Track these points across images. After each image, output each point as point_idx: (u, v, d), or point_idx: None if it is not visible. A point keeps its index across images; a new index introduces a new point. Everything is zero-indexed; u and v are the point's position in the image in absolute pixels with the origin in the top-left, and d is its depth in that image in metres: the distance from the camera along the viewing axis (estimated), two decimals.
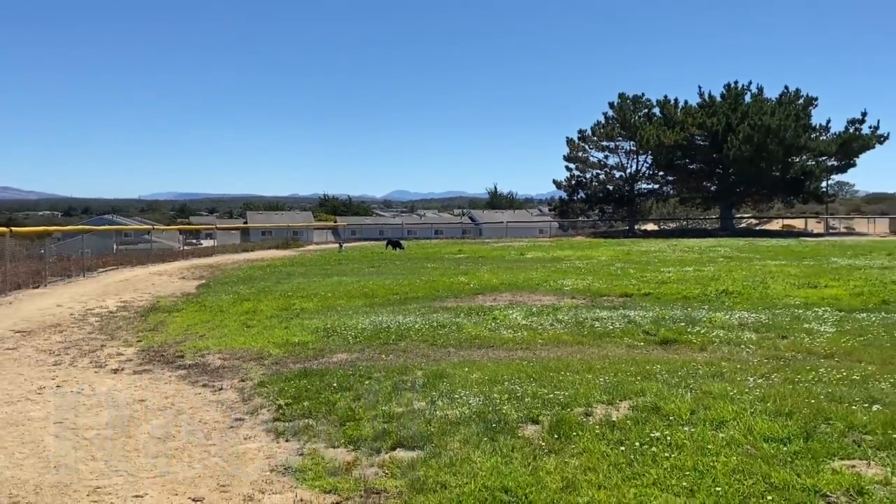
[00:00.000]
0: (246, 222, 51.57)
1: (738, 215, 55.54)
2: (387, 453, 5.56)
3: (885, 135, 50.40)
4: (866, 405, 6.39)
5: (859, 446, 5.43)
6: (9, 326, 12.57)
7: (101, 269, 24.93)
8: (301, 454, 5.61)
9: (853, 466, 5.01)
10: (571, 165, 58.13)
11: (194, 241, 41.44)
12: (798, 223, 54.35)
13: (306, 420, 6.45)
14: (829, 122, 51.46)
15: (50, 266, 21.07)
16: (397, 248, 17.71)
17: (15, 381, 8.40)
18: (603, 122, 56.55)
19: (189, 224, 50.68)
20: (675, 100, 54.07)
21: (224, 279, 21.00)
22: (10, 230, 19.00)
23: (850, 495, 4.53)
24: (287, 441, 5.97)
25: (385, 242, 18.30)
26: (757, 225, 55.57)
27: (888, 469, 4.95)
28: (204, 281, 20.70)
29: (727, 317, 11.48)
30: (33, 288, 18.68)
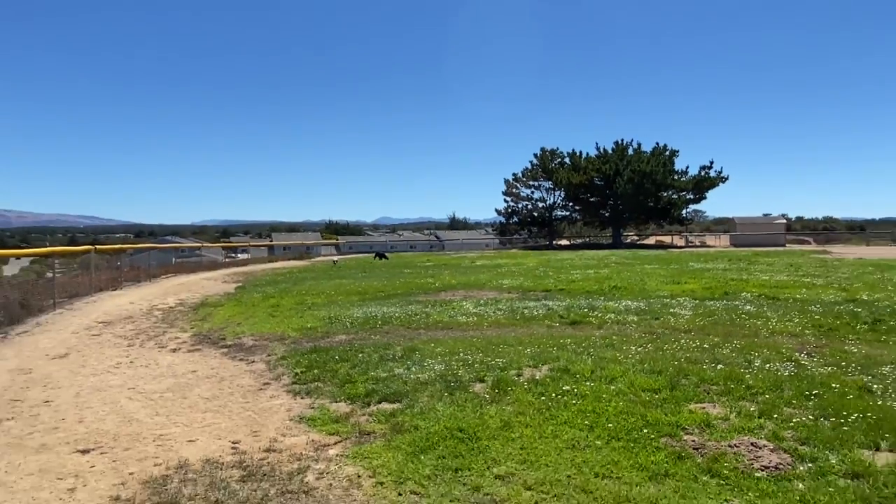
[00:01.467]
0: (271, 240, 50.81)
1: (625, 234, 56.36)
2: (375, 405, 5.61)
3: (726, 176, 51.87)
4: (713, 365, 6.58)
5: (708, 394, 5.63)
6: (94, 319, 12.33)
7: (163, 276, 24.49)
8: (312, 408, 5.64)
9: (703, 408, 5.19)
10: (508, 198, 58.63)
11: (233, 255, 40.71)
12: (666, 239, 55.39)
13: (316, 383, 6.48)
14: (687, 167, 52.73)
15: (124, 274, 20.69)
16: (383, 259, 17.67)
17: (99, 359, 8.29)
18: (529, 167, 57.26)
19: (229, 242, 49.85)
20: (580, 152, 54.92)
21: (255, 282, 20.75)
22: (95, 248, 18.58)
23: (701, 427, 4.71)
24: (302, 398, 6.00)
25: (374, 255, 18.23)
26: (638, 240, 56.40)
27: (727, 409, 5.14)
28: (240, 284, 20.43)
29: (617, 304, 11.68)
30: (111, 290, 18.30)
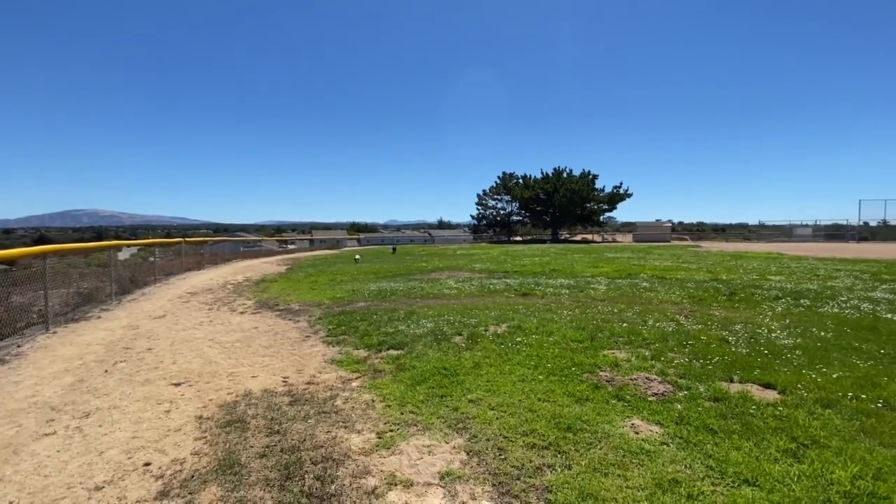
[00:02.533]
0: (312, 236, 50.14)
1: (561, 233, 56.51)
2: (384, 352, 5.57)
3: (631, 193, 52.08)
4: (620, 323, 6.63)
5: (616, 343, 5.65)
6: (183, 290, 12.11)
7: (233, 261, 24.08)
8: (340, 353, 5.59)
9: (613, 353, 5.22)
10: (479, 207, 58.50)
11: (284, 246, 40.12)
12: (589, 236, 55.64)
13: (343, 336, 6.42)
14: (604, 186, 52.77)
15: (206, 259, 20.31)
16: (394, 251, 17.53)
17: (187, 318, 8.15)
18: (494, 185, 57.20)
19: (281, 237, 49.12)
20: (530, 175, 54.72)
21: (300, 265, 20.50)
22: (185, 240, 18.24)
23: (611, 366, 4.74)
24: (333, 347, 5.94)
25: (391, 248, 18.17)
26: (569, 238, 56.49)
27: (629, 354, 5.17)
28: (289, 266, 20.18)
29: (554, 282, 11.71)
30: (196, 270, 17.97)
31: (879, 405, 3.64)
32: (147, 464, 3.06)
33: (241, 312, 8.71)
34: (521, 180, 55.22)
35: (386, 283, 12.38)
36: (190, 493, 2.69)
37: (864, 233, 39.86)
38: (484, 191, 58.20)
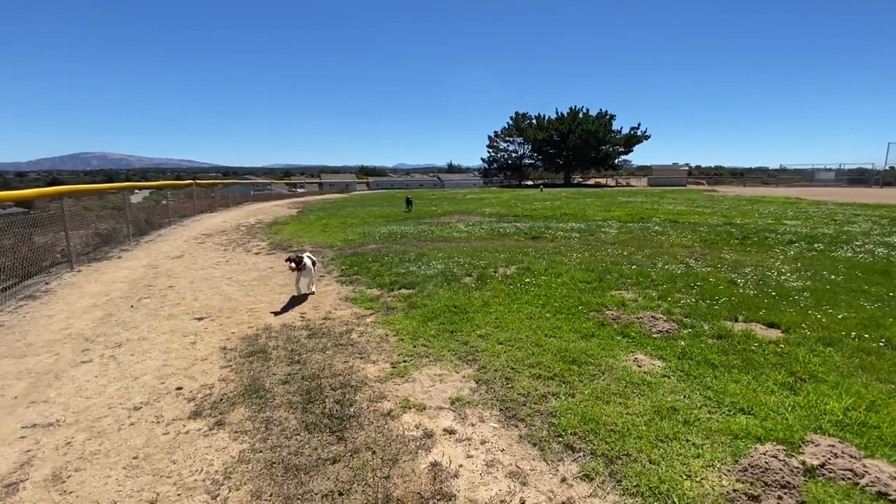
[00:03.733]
0: (321, 179, 49.82)
1: (573, 176, 55.33)
2: (396, 291, 5.71)
3: (649, 135, 50.30)
4: (629, 266, 6.68)
5: (624, 284, 5.73)
6: (198, 232, 12.33)
7: (244, 204, 24.23)
8: (354, 292, 5.75)
9: (621, 293, 5.31)
10: (490, 150, 57.05)
11: (294, 189, 40.04)
12: (603, 180, 54.47)
13: (356, 276, 6.56)
14: (621, 128, 50.90)
15: (217, 202, 20.46)
16: (410, 205, 16.46)
17: (204, 258, 8.37)
18: (506, 126, 55.31)
19: (290, 180, 48.94)
20: (544, 115, 52.70)
21: (310, 208, 20.58)
22: (196, 182, 18.28)
23: (618, 306, 4.84)
24: (347, 286, 6.09)
25: (406, 202, 17.16)
26: (582, 181, 55.44)
27: (637, 294, 5.26)
28: (300, 210, 20.27)
29: (565, 226, 11.69)
30: (209, 213, 18.17)
31: (881, 344, 3.72)
32: (179, 388, 3.30)
33: (256, 253, 8.90)
34: (534, 121, 53.31)
35: (396, 226, 12.45)
36: (220, 413, 2.92)
37: (889, 178, 38.39)
38: (495, 132, 56.51)
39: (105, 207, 13.33)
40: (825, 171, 43.28)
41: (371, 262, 7.41)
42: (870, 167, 40.32)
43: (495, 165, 57.70)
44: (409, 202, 18.33)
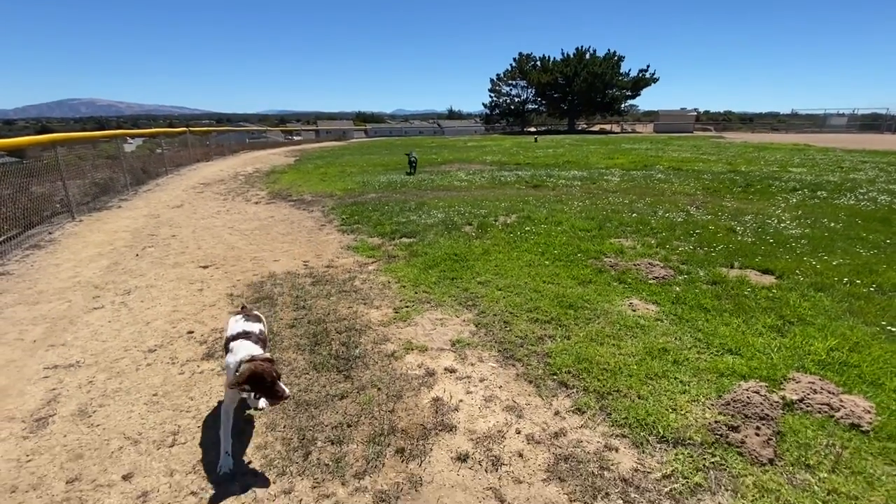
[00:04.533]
0: (317, 126, 48.45)
1: (577, 123, 53.75)
2: (398, 239, 5.78)
3: (658, 77, 48.29)
4: (630, 214, 6.70)
5: (624, 232, 5.78)
6: (196, 181, 12.23)
7: (240, 152, 23.77)
8: (355, 241, 5.81)
9: (620, 241, 5.37)
10: (492, 94, 54.97)
11: (290, 137, 39.01)
12: (607, 127, 52.91)
13: (357, 225, 6.60)
14: (629, 70, 48.81)
15: (213, 150, 20.05)
16: (413, 165, 12.41)
17: (204, 208, 8.37)
18: (509, 68, 52.94)
19: (286, 127, 47.58)
20: (549, 56, 50.37)
21: (308, 157, 20.22)
22: (190, 130, 17.84)
23: (616, 253, 4.91)
24: (348, 235, 6.14)
25: (408, 159, 13.15)
26: (586, 128, 53.95)
27: (635, 242, 5.32)
28: (298, 158, 19.92)
29: (567, 174, 11.56)
30: (205, 162, 17.88)
31: (872, 289, 3.81)
32: (190, 332, 3.44)
33: (256, 202, 8.88)
34: (538, 63, 51.02)
35: (396, 175, 12.31)
36: None
37: None
38: (498, 75, 54.17)
39: (100, 156, 13.11)
40: (837, 116, 41.99)
41: (371, 211, 7.41)
42: (884, 112, 39.11)
43: (497, 111, 55.87)
44: (412, 162, 12.72)
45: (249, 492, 1.95)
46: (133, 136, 16.53)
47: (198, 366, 2.96)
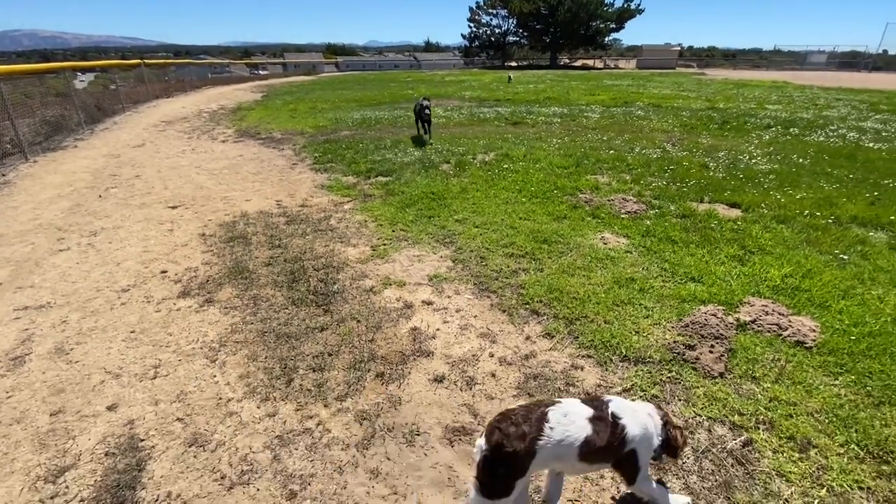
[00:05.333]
0: (284, 59, 45.25)
1: (560, 57, 51.75)
2: (373, 178, 5.66)
3: (643, 8, 46.43)
4: (607, 151, 6.68)
5: (600, 169, 5.79)
6: (157, 119, 11.50)
7: (203, 88, 22.23)
8: (329, 180, 5.67)
9: (596, 178, 5.39)
10: (471, 24, 52.02)
11: (256, 71, 36.49)
12: (590, 62, 51.21)
13: (330, 164, 6.41)
14: (613, 1, 46.64)
15: (173, 85, 18.66)
16: (425, 113, 9.34)
17: (168, 147, 7.95)
18: None
19: (251, 60, 44.34)
20: None
21: (276, 93, 19.07)
22: (143, 62, 16.42)
23: (592, 189, 4.95)
24: (321, 174, 5.98)
25: (416, 112, 9.72)
26: (569, 63, 52.09)
27: (611, 178, 5.36)
28: (265, 94, 18.78)
29: (547, 110, 11.30)
30: (166, 98, 16.70)
31: (830, 221, 3.99)
32: (164, 271, 3.39)
33: (223, 141, 8.46)
34: None
35: (370, 111, 11.81)
36: (208, 293, 3.06)
37: (881, 62, 37.27)
38: (478, 3, 50.96)
39: (48, 93, 12.07)
40: (818, 53, 41.64)
41: (345, 149, 7.17)
42: (863, 49, 38.92)
43: (477, 43, 53.19)
44: (425, 119, 7.76)
45: (234, 416, 2.03)
46: (83, 70, 15.17)
47: (174, 304, 2.95)
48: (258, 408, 2.07)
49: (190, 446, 1.88)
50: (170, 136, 9.01)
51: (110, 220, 4.45)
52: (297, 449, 1.86)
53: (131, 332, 2.66)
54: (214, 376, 2.28)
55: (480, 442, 1.31)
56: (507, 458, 1.27)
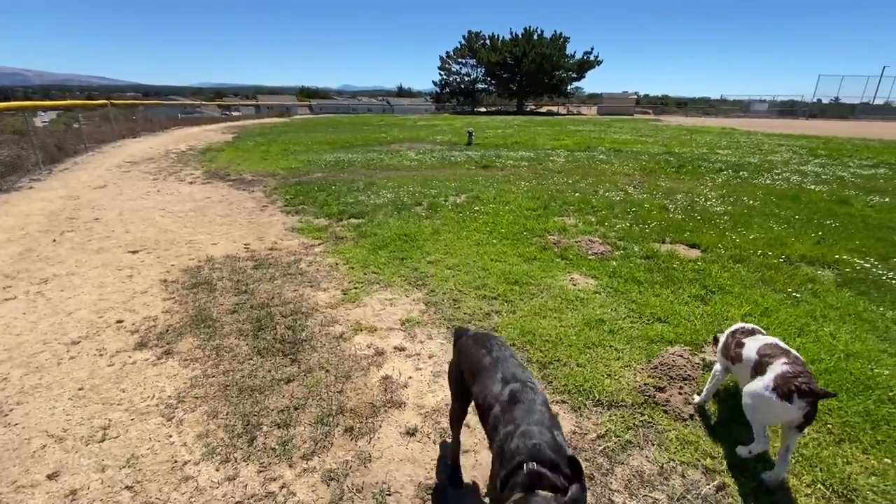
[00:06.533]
0: (258, 101, 45.64)
1: (526, 104, 54.34)
2: (345, 220, 5.66)
3: (601, 60, 49.64)
4: (573, 193, 6.94)
5: (567, 211, 5.98)
6: (122, 160, 11.22)
7: (172, 128, 21.99)
8: (300, 222, 5.63)
9: (563, 219, 5.56)
10: (442, 72, 54.29)
11: (227, 112, 36.49)
12: (554, 108, 53.99)
13: (302, 206, 6.39)
14: (574, 52, 49.81)
15: (140, 125, 18.36)
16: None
17: (132, 188, 7.74)
18: (458, 47, 52.47)
19: (223, 101, 44.44)
20: (498, 35, 50.29)
21: (247, 134, 19.09)
22: (110, 102, 16.21)
23: (559, 231, 5.08)
24: (292, 216, 5.94)
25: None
26: (535, 109, 54.73)
27: (577, 220, 5.53)
28: (236, 135, 18.75)
29: (516, 154, 11.72)
30: (132, 138, 16.39)
31: (781, 260, 4.23)
32: (119, 321, 3.21)
33: (191, 182, 8.32)
34: (488, 41, 50.84)
35: (343, 153, 11.95)
36: (168, 344, 2.91)
37: (815, 110, 40.99)
38: (448, 52, 53.63)
39: (4, 131, 11.67)
40: (759, 102, 45.43)
41: (317, 191, 7.18)
42: (799, 99, 42.77)
43: (447, 90, 55.39)
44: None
45: (191, 481, 1.89)
46: (45, 109, 14.83)
47: (129, 356, 2.78)
48: (217, 470, 1.94)
49: None
50: (134, 177, 8.80)
51: (64, 265, 4.23)
52: None
53: (79, 389, 2.48)
54: (170, 436, 2.13)
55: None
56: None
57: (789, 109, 42.21)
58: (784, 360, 1.84)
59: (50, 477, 1.91)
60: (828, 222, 5.46)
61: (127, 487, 1.86)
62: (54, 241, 4.95)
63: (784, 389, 1.75)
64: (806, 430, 1.98)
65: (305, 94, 63.88)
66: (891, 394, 2.35)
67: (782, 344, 1.97)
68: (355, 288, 3.69)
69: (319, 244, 4.77)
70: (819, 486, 1.85)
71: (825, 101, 43.38)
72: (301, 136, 17.25)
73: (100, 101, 16.30)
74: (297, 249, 4.60)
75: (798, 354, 1.90)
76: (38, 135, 10.47)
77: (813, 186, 7.67)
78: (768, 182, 8.06)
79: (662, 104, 59.39)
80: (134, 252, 4.60)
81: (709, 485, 1.87)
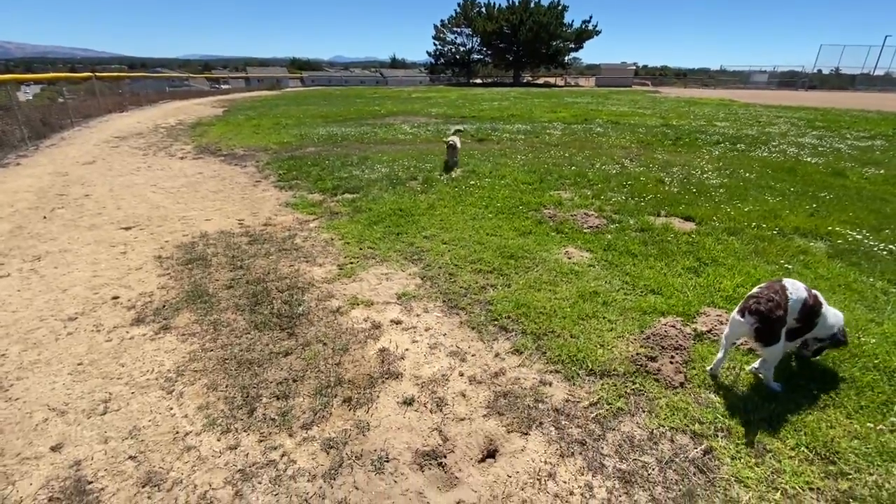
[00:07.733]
0: (247, 74, 44.38)
1: (523, 75, 53.25)
2: (340, 195, 5.62)
3: (600, 30, 48.44)
4: (569, 167, 6.89)
5: (563, 185, 5.96)
6: (110, 134, 10.99)
7: (160, 102, 21.46)
8: (294, 197, 5.59)
9: (559, 193, 5.55)
10: (437, 42, 52.84)
11: (217, 85, 35.54)
12: (551, 80, 52.96)
13: (295, 181, 6.32)
14: (572, 21, 48.91)
15: (128, 99, 17.91)
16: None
17: (122, 164, 7.61)
18: (454, 15, 50.92)
19: (212, 74, 43.22)
20: (494, 2, 48.85)
21: (238, 107, 18.67)
22: (95, 74, 15.73)
23: (555, 205, 5.08)
24: (286, 191, 5.89)
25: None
26: (532, 80, 53.66)
27: (573, 194, 5.51)
28: (226, 108, 18.34)
29: (512, 127, 11.55)
30: (119, 112, 15.99)
31: (775, 232, 4.26)
32: (115, 297, 3.21)
33: (181, 157, 8.19)
34: (483, 9, 49.34)
35: (336, 127, 11.75)
36: (164, 319, 2.92)
37: (815, 81, 40.46)
38: (442, 21, 52.04)
39: None
40: (759, 73, 44.72)
41: (311, 165, 7.09)
42: (800, 69, 42.14)
43: (442, 60, 54.03)
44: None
45: (193, 451, 1.93)
46: (27, 82, 14.40)
47: (126, 332, 2.80)
48: (218, 440, 1.98)
49: (143, 486, 1.78)
50: (123, 153, 8.64)
51: (56, 243, 4.20)
52: (260, 483, 1.79)
53: (78, 364, 2.50)
54: (171, 409, 2.17)
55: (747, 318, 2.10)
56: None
57: (789, 80, 41.64)
58: (763, 286, 2.21)
59: (53, 448, 1.95)
60: (822, 194, 5.48)
61: (130, 458, 1.90)
62: (45, 218, 4.90)
63: (741, 307, 2.17)
64: (772, 356, 2.19)
65: (296, 65, 62.23)
66: (876, 361, 2.42)
67: (791, 281, 2.24)
68: (351, 263, 3.69)
69: (314, 219, 4.75)
70: (802, 448, 1.92)
71: (826, 71, 42.79)
72: (293, 110, 16.90)
73: (84, 74, 15.83)
74: (292, 225, 4.58)
75: (794, 289, 2.18)
76: (22, 109, 10.19)
77: (809, 158, 7.65)
78: (765, 154, 8.02)
79: (661, 75, 58.36)
80: (127, 228, 4.56)
81: (696, 448, 1.93)
